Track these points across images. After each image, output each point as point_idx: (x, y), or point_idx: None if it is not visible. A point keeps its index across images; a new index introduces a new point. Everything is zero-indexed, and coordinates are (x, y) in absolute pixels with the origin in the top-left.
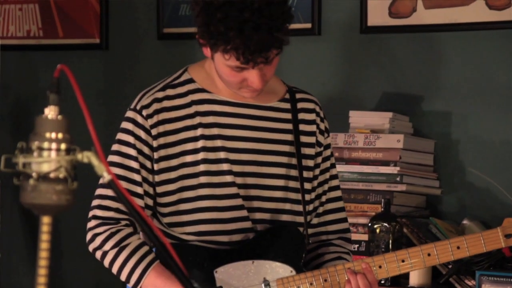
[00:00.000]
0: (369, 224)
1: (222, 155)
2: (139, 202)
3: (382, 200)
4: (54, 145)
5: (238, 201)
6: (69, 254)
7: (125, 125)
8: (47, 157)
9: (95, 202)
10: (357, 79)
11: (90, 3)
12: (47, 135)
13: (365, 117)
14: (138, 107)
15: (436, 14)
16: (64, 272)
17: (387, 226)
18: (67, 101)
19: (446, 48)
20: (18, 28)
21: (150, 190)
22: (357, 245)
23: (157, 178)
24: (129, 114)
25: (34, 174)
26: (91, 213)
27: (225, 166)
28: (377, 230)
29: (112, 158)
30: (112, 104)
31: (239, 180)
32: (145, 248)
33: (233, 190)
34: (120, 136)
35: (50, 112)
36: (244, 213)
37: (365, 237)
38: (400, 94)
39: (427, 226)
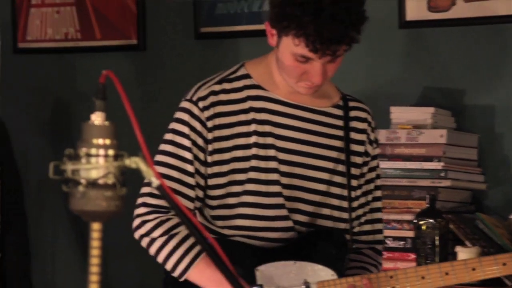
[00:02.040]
0: (415, 221)
1: (271, 153)
2: (190, 193)
3: (427, 196)
4: (102, 151)
5: (280, 200)
6: (113, 256)
7: (180, 115)
8: (96, 164)
9: (146, 190)
10: (397, 74)
11: (127, 4)
12: (95, 141)
13: (406, 113)
14: (194, 98)
15: (476, 7)
16: (108, 274)
17: (433, 222)
18: (109, 105)
19: (486, 41)
20: (56, 31)
21: (202, 182)
22: (402, 242)
23: (210, 170)
24: (185, 104)
25: (83, 181)
26: (140, 200)
27: (273, 164)
28: (423, 227)
29: (165, 147)
30: (150, 105)
31: (284, 180)
32: (193, 239)
33: (276, 188)
34: (175, 126)
35: (97, 118)
36: (284, 212)
37: (410, 233)
38: (441, 89)
39: (473, 221)
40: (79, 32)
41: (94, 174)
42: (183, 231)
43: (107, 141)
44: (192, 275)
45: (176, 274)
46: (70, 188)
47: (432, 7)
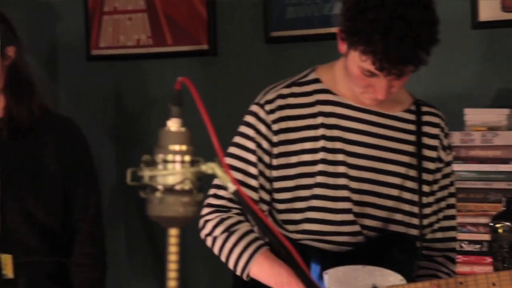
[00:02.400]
0: (491, 224)
1: (340, 157)
2: (253, 195)
3: (503, 198)
4: (178, 157)
5: (348, 205)
6: (190, 259)
7: (247, 118)
8: (172, 170)
9: (211, 191)
10: (470, 76)
11: (197, 10)
12: (171, 147)
13: (481, 115)
14: (262, 101)
15: None
16: (183, 277)
17: (510, 225)
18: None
19: None
20: (128, 38)
21: (267, 185)
22: (478, 246)
23: (275, 173)
24: (253, 108)
25: (160, 187)
26: (205, 202)
27: (341, 169)
28: (500, 230)
29: (231, 149)
30: (220, 110)
31: (354, 184)
32: (253, 235)
33: (344, 193)
34: (242, 128)
35: (173, 124)
36: (350, 217)
37: (486, 237)
38: None
39: None
40: (151, 38)
41: (171, 180)
42: (243, 227)
43: (184, 147)
44: (253, 270)
45: (238, 270)
46: (148, 194)
47: (506, 7)
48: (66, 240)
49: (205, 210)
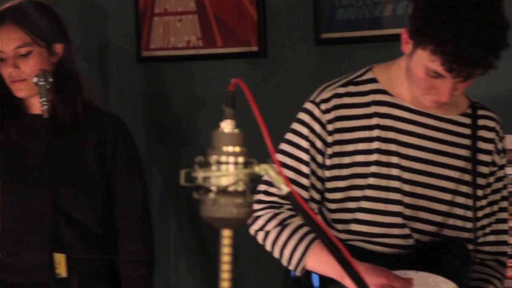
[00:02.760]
0: None
1: (394, 160)
2: (303, 193)
3: None
4: (232, 159)
5: (398, 208)
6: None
7: (301, 116)
8: (226, 171)
9: (262, 187)
10: None
11: (247, 11)
12: (225, 148)
13: None
14: (317, 100)
15: None
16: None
17: None
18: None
19: None
20: (178, 39)
21: (318, 184)
22: None
23: (328, 173)
24: (308, 106)
25: (213, 188)
26: (256, 197)
27: (395, 172)
28: None
29: (283, 146)
30: (270, 112)
31: (407, 187)
32: (307, 228)
33: (396, 196)
34: (295, 126)
35: (227, 126)
36: (400, 220)
37: None
38: None
39: None
40: (201, 40)
41: (224, 181)
42: (295, 221)
43: (237, 149)
44: (309, 262)
45: (293, 263)
46: (201, 195)
47: None
48: (113, 239)
49: (256, 206)
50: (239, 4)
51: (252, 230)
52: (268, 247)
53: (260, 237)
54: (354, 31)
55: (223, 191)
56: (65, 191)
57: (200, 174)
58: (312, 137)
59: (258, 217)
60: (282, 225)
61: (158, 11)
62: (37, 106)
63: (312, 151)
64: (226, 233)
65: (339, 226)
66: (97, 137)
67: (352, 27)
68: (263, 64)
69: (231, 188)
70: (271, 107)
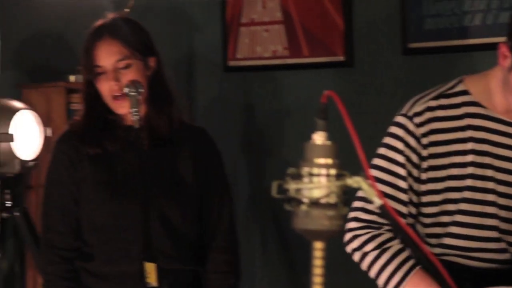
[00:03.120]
0: None
1: (489, 173)
2: (402, 209)
3: None
4: (324, 171)
5: (494, 222)
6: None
7: (394, 130)
8: (318, 183)
9: (358, 204)
10: None
11: (334, 21)
12: (317, 160)
13: None
14: (410, 114)
15: None
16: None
17: None
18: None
19: None
20: (264, 49)
21: (414, 199)
22: None
23: (424, 187)
24: (400, 119)
25: (305, 200)
26: (352, 214)
27: (490, 185)
28: None
29: (378, 161)
30: (357, 122)
31: (502, 201)
32: (406, 253)
33: (492, 209)
34: (388, 140)
35: (319, 138)
36: (496, 234)
37: None
38: None
39: None
40: (287, 50)
41: (316, 193)
42: (395, 245)
43: (329, 161)
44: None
45: None
46: (293, 207)
47: None
48: (202, 248)
49: (354, 224)
50: (326, 13)
51: (348, 248)
52: (364, 267)
53: (356, 257)
54: (443, 40)
55: (315, 203)
56: (161, 202)
57: (292, 186)
58: (407, 151)
59: (355, 236)
60: (381, 248)
61: (245, 21)
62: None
63: (408, 165)
64: (318, 245)
65: (433, 241)
66: (189, 149)
67: (441, 37)
68: (350, 73)
69: (323, 200)
70: (357, 118)
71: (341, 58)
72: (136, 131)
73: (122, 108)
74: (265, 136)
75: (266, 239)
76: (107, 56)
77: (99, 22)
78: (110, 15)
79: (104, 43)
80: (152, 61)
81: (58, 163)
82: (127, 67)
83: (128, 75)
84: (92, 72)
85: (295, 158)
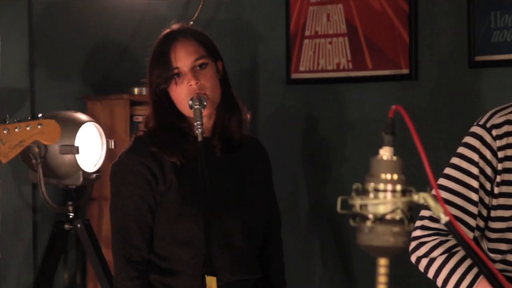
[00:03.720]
0: None
1: None
2: (470, 221)
3: None
4: (389, 187)
5: None
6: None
7: (470, 140)
8: (383, 199)
9: (426, 213)
10: None
11: (399, 34)
12: (383, 176)
13: None
14: (488, 125)
15: None
16: None
17: None
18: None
19: None
20: (328, 61)
21: (484, 212)
22: None
23: (495, 201)
24: (477, 130)
25: (370, 216)
26: (419, 223)
27: None
28: None
29: (450, 172)
30: (423, 135)
31: None
32: None
33: None
34: (463, 151)
35: (385, 153)
36: None
37: None
38: None
39: None
40: (351, 62)
41: (381, 209)
42: (462, 250)
43: (395, 176)
44: None
45: None
46: (358, 223)
47: None
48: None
49: (419, 232)
50: (390, 26)
51: (413, 257)
52: (430, 274)
53: (422, 264)
54: (510, 53)
55: (380, 219)
56: (247, 208)
57: (357, 201)
58: (482, 163)
59: (422, 243)
60: (450, 252)
61: (309, 33)
62: (205, 129)
63: (482, 178)
64: (382, 261)
65: (496, 256)
66: (255, 157)
67: (508, 50)
68: (414, 87)
69: (388, 217)
70: (421, 132)
71: (405, 71)
72: (200, 143)
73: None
74: (327, 149)
75: (326, 253)
76: (185, 56)
77: (169, 30)
78: (175, 25)
79: (180, 44)
80: (220, 65)
81: (136, 175)
82: (204, 66)
83: (206, 75)
84: (169, 76)
85: (357, 172)
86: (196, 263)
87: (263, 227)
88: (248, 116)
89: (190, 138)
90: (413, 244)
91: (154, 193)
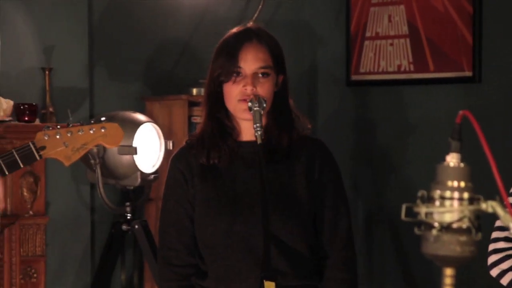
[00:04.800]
0: None
1: None
2: None
3: None
4: (456, 194)
5: None
6: None
7: None
8: (450, 207)
9: (499, 234)
10: None
11: (462, 35)
12: (450, 183)
13: None
14: None
15: None
16: None
17: None
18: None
19: None
20: (389, 63)
21: None
22: None
23: None
24: None
25: (436, 224)
26: (500, 234)
27: None
28: None
29: None
30: (490, 141)
31: None
32: None
33: None
34: None
35: (452, 159)
36: None
37: None
38: None
39: None
40: (412, 64)
41: (448, 217)
42: None
43: (462, 184)
44: None
45: None
46: (423, 231)
47: None
48: (318, 265)
49: (504, 244)
50: (453, 27)
51: (495, 270)
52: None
53: (507, 278)
54: None
55: (446, 227)
56: (277, 218)
57: (422, 209)
58: None
59: (509, 256)
60: None
61: (370, 35)
62: (248, 133)
63: None
64: (448, 271)
65: None
66: (306, 163)
67: None
68: (477, 89)
69: (455, 225)
70: (488, 137)
71: (468, 73)
72: (258, 146)
73: (246, 112)
74: (387, 152)
75: (385, 261)
76: (252, 60)
77: (243, 26)
78: (250, 24)
79: (253, 46)
80: (280, 79)
81: (174, 180)
82: (266, 76)
83: (265, 85)
84: (229, 72)
85: (417, 177)
86: (218, 267)
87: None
88: (309, 126)
89: (229, 140)
90: (495, 256)
91: (188, 196)
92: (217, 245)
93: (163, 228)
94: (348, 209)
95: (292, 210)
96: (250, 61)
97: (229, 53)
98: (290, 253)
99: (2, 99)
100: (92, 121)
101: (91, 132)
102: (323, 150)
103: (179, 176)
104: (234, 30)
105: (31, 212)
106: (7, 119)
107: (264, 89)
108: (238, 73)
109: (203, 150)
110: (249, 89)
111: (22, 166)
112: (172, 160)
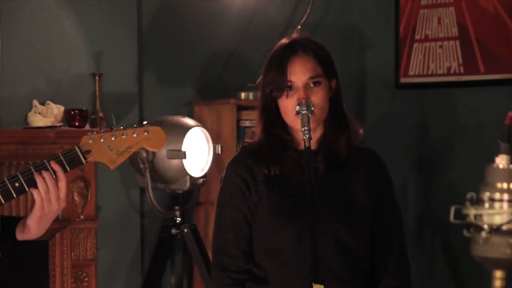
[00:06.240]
0: None
1: None
2: None
3: None
4: (506, 196)
5: None
6: None
7: None
8: (499, 209)
9: None
10: None
11: None
12: (499, 185)
13: None
14: None
15: None
16: None
17: None
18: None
19: None
20: (438, 65)
21: None
22: None
23: None
24: None
25: (485, 227)
26: None
27: None
28: None
29: None
30: None
31: None
32: None
33: None
34: None
35: (502, 161)
36: None
37: None
38: None
39: None
40: (462, 66)
41: (497, 219)
42: None
43: None
44: None
45: None
46: (472, 234)
47: None
48: (373, 272)
49: None
50: (504, 28)
51: None
52: None
53: None
54: None
55: (496, 230)
56: (335, 226)
57: (471, 211)
58: None
59: None
60: None
61: (419, 37)
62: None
63: None
64: (498, 274)
65: None
66: (363, 172)
67: None
68: None
69: (505, 227)
70: None
71: None
72: (311, 153)
73: None
74: (437, 155)
75: (435, 263)
76: (301, 72)
77: (289, 38)
78: (294, 35)
79: (299, 59)
80: (333, 83)
81: (233, 186)
82: (317, 84)
83: (318, 93)
84: (281, 87)
85: (467, 179)
86: (284, 274)
87: (364, 243)
88: (361, 131)
89: (290, 150)
90: None
91: (248, 203)
92: (284, 253)
93: (219, 233)
94: (401, 217)
95: (357, 218)
96: (299, 73)
97: (278, 69)
98: (351, 261)
99: (53, 105)
100: (134, 125)
101: (135, 135)
102: (376, 160)
103: (239, 182)
104: (280, 43)
105: (82, 217)
106: (58, 124)
107: (318, 97)
108: (290, 87)
109: (263, 163)
110: (303, 101)
111: (68, 170)
112: (230, 165)
